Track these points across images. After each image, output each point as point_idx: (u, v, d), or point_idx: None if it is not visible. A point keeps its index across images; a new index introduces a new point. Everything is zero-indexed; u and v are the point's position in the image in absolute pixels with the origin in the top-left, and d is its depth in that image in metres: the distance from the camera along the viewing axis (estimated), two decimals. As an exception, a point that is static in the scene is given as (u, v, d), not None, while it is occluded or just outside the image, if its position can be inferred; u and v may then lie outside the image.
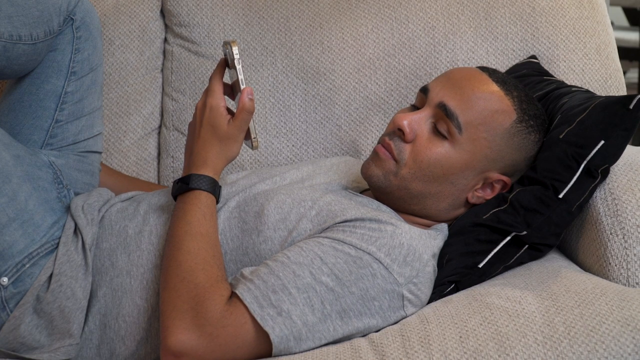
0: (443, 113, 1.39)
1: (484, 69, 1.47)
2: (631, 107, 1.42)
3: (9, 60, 1.49)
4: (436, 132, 1.40)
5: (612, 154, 1.42)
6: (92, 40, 1.61)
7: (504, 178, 1.43)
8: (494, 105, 1.40)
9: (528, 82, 1.66)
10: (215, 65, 1.42)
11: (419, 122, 1.41)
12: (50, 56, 1.57)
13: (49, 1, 1.54)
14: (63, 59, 1.57)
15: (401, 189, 1.41)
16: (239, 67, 1.35)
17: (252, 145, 1.39)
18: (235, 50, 1.34)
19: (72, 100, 1.57)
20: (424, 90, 1.44)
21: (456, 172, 1.40)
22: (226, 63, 1.41)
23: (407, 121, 1.40)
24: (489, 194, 1.44)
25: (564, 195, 1.41)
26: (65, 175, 1.51)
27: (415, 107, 1.45)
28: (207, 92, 1.38)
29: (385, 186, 1.41)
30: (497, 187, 1.44)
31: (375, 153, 1.43)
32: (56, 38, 1.57)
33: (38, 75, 1.56)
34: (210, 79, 1.39)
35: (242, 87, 1.35)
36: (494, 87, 1.42)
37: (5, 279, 1.35)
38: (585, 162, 1.41)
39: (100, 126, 1.65)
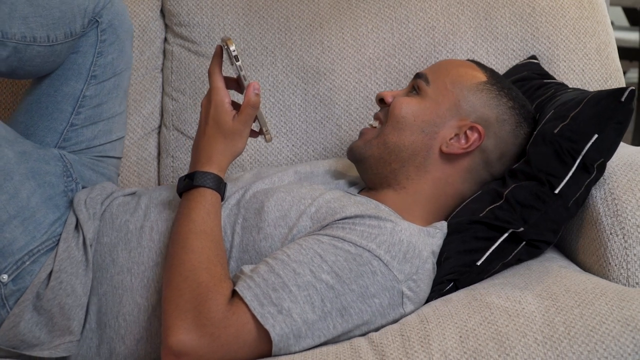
0: (417, 77, 1.49)
1: (472, 61, 1.54)
2: (623, 99, 1.42)
3: (21, 62, 1.48)
4: (410, 93, 1.49)
5: (606, 148, 1.43)
6: (118, 44, 1.59)
7: (477, 126, 1.43)
8: (466, 69, 1.49)
9: (529, 86, 1.65)
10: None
11: (398, 93, 1.50)
12: (72, 58, 1.55)
13: (74, 2, 1.51)
14: (84, 62, 1.55)
15: (380, 147, 1.45)
16: (238, 63, 1.35)
17: (265, 138, 1.40)
18: (232, 47, 1.34)
19: (90, 104, 1.56)
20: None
21: (426, 119, 1.44)
22: (222, 57, 1.40)
23: (387, 92, 1.50)
24: (463, 144, 1.44)
25: (559, 191, 1.41)
26: (75, 169, 1.50)
27: None
28: (211, 89, 1.38)
29: (365, 151, 1.47)
30: (472, 137, 1.43)
31: (360, 132, 1.51)
32: (79, 40, 1.54)
33: (58, 77, 1.55)
34: (210, 75, 1.38)
35: (245, 82, 1.36)
36: (474, 67, 1.50)
37: (5, 276, 1.35)
38: (580, 156, 1.41)
39: (121, 131, 1.63)
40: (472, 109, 1.45)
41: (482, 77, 1.48)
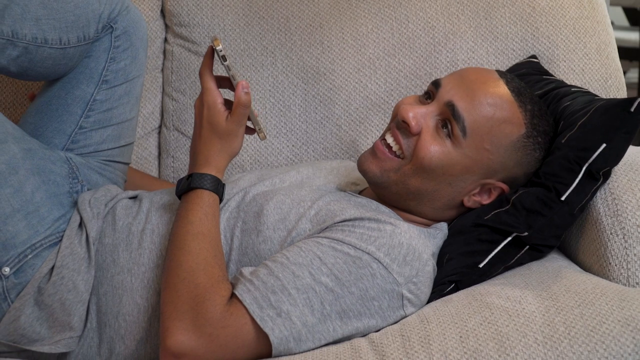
0: (450, 112, 1.37)
1: (502, 74, 1.43)
2: (632, 110, 1.41)
3: (32, 63, 1.48)
4: (440, 129, 1.38)
5: (614, 157, 1.42)
6: (132, 51, 1.58)
7: (503, 185, 1.41)
8: (504, 115, 1.38)
9: (527, 81, 1.65)
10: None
11: (424, 117, 1.38)
12: (84, 62, 1.55)
13: (89, 7, 1.51)
14: (96, 67, 1.55)
15: (398, 184, 1.40)
16: (226, 63, 1.34)
17: (259, 136, 1.39)
18: (218, 47, 1.33)
19: (99, 108, 1.56)
20: (436, 84, 1.41)
21: (455, 174, 1.38)
22: (213, 58, 1.40)
23: (413, 114, 1.38)
24: (485, 199, 1.43)
25: (566, 198, 1.40)
26: (82, 172, 1.50)
27: (423, 96, 1.43)
28: (202, 91, 1.38)
29: (382, 182, 1.40)
30: (495, 193, 1.42)
31: (373, 151, 1.41)
32: (92, 45, 1.54)
33: (69, 80, 1.55)
34: (200, 77, 1.37)
35: (234, 81, 1.35)
36: (508, 96, 1.39)
37: (7, 269, 1.35)
38: (587, 165, 1.41)
39: (130, 137, 1.62)
40: (502, 168, 1.40)
41: (520, 127, 1.38)
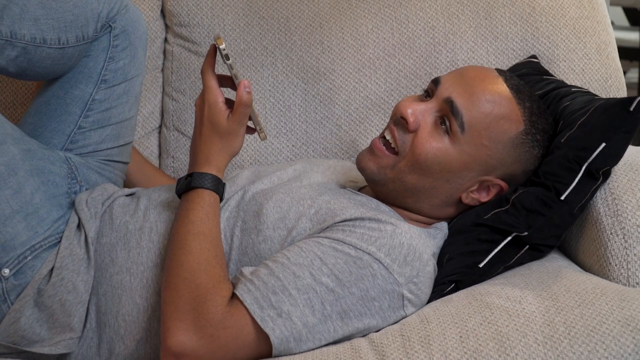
0: (449, 109, 1.37)
1: (501, 72, 1.44)
2: (631, 109, 1.41)
3: (30, 63, 1.48)
4: (439, 126, 1.38)
5: (613, 156, 1.42)
6: (130, 50, 1.58)
7: (501, 183, 1.41)
8: (502, 111, 1.38)
9: (527, 81, 1.65)
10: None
11: (423, 113, 1.39)
12: (83, 62, 1.54)
13: (87, 7, 1.51)
14: (95, 66, 1.55)
15: (395, 181, 1.40)
16: (228, 62, 1.34)
17: (259, 136, 1.39)
18: (222, 46, 1.33)
19: (98, 108, 1.55)
20: (435, 82, 1.42)
21: (453, 170, 1.38)
22: (215, 56, 1.39)
23: (411, 110, 1.38)
24: (484, 197, 1.43)
25: (565, 197, 1.40)
26: (80, 172, 1.50)
27: (423, 95, 1.44)
28: (204, 89, 1.38)
29: (379, 179, 1.41)
30: (493, 191, 1.42)
31: (371, 148, 1.42)
32: (91, 44, 1.54)
33: (68, 80, 1.55)
34: (202, 75, 1.37)
35: (236, 81, 1.35)
36: (507, 93, 1.39)
37: (6, 271, 1.35)
38: (586, 164, 1.41)
39: (129, 137, 1.62)
40: (501, 165, 1.40)
41: (519, 124, 1.39)
